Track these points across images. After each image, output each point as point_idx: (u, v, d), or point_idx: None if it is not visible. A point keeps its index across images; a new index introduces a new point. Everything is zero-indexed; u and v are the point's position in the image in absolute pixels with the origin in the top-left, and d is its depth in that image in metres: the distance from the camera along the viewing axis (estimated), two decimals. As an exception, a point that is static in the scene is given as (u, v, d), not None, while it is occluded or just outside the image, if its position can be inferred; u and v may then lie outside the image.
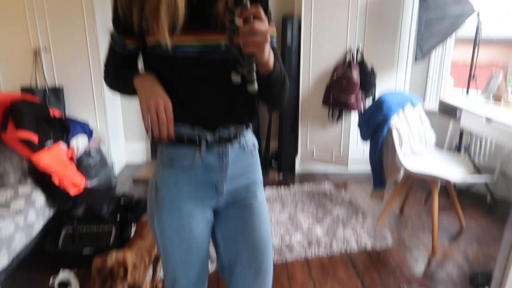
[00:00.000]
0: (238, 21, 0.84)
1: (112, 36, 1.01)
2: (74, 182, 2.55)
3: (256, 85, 0.89)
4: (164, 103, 0.92)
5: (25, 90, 3.28)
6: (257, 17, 0.82)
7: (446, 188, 2.90)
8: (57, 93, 3.38)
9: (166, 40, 0.91)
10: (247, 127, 1.12)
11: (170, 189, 1.05)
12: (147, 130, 0.93)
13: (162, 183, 1.06)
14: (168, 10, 0.90)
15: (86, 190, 2.78)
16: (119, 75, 1.05)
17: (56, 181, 2.44)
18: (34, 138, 2.29)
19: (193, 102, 1.00)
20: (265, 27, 0.82)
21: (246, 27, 0.81)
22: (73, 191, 2.57)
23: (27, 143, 2.28)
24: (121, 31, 0.97)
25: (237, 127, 1.07)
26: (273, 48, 0.96)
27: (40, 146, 2.33)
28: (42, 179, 2.39)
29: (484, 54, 3.44)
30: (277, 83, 0.99)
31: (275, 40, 1.02)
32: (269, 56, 0.90)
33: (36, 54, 3.30)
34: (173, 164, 1.05)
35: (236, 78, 0.91)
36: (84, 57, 3.35)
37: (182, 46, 0.94)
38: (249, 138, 1.14)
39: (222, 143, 1.05)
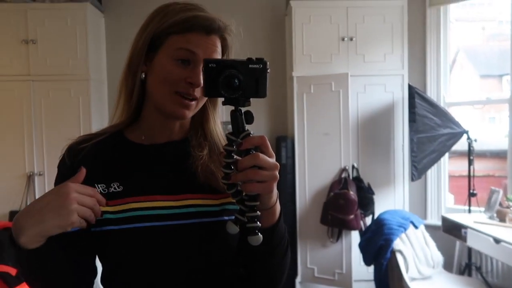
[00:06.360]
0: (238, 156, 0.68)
1: None
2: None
3: (261, 236, 0.68)
4: (77, 190, 0.69)
5: (14, 215, 3.18)
6: (263, 148, 0.66)
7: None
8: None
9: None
10: None
11: None
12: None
13: None
14: None
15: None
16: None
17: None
18: (11, 271, 2.13)
19: None
20: (273, 160, 0.65)
21: (248, 159, 0.64)
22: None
23: (4, 277, 2.11)
24: None
25: None
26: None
27: (17, 279, 2.15)
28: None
29: (480, 166, 3.44)
30: (280, 245, 0.75)
31: None
32: (276, 199, 0.71)
33: (29, 179, 3.26)
34: None
35: (232, 228, 0.69)
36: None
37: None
38: None
39: None
